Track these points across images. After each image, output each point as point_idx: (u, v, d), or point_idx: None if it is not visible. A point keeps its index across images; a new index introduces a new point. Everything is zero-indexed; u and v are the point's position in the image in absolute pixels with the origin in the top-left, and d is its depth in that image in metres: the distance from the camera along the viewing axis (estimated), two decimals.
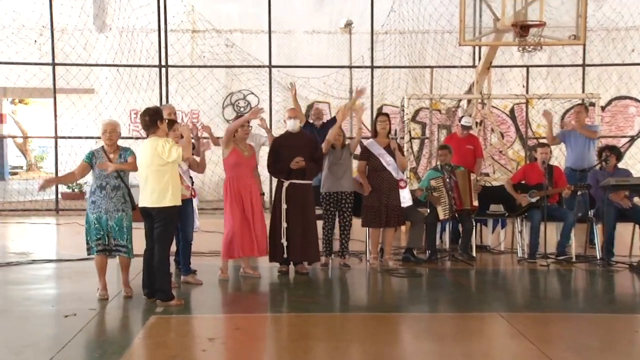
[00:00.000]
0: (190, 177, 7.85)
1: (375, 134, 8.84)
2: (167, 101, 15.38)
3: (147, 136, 6.65)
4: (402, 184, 8.70)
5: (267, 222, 8.19)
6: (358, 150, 8.95)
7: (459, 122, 10.75)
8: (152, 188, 6.52)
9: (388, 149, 8.69)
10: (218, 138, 8.52)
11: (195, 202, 7.83)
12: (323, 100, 18.54)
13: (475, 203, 9.26)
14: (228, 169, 8.00)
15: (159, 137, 6.58)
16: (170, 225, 6.62)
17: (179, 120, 8.18)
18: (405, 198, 8.68)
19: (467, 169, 9.55)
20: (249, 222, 7.89)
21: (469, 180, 9.27)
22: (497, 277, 8.60)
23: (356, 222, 8.99)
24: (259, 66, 16.96)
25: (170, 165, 6.52)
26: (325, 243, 8.63)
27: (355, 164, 8.89)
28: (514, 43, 10.95)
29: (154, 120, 6.58)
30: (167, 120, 6.92)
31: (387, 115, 8.93)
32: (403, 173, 8.85)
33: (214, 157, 13.18)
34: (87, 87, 16.94)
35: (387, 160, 8.65)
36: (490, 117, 13.09)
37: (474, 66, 15.65)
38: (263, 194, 8.27)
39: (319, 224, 8.51)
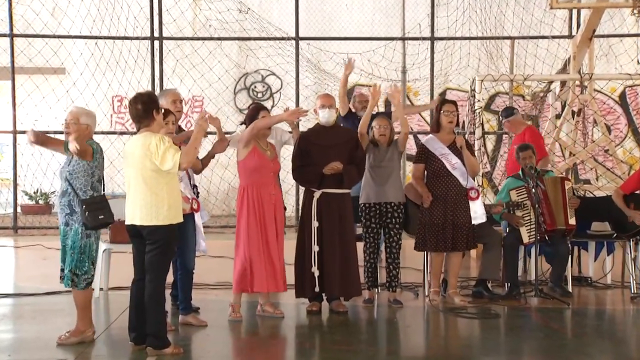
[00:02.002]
0: (195, 186, 7.90)
1: (437, 127, 8.83)
2: (160, 84, 15.53)
3: (138, 131, 6.70)
4: (472, 193, 8.65)
5: (290, 243, 8.21)
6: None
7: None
8: (143, 200, 6.56)
9: (453, 147, 8.68)
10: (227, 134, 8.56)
11: (198, 218, 7.90)
12: (367, 83, 18.53)
13: (572, 221, 9.19)
14: (245, 174, 8.04)
15: (154, 132, 6.63)
16: (168, 249, 6.66)
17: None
18: (477, 213, 8.63)
19: (559, 176, 9.49)
20: (272, 246, 7.93)
21: (563, 190, 9.20)
22: (601, 319, 8.54)
23: (408, 243, 9.00)
24: (283, 38, 17.04)
25: (166, 171, 6.55)
26: (369, 271, 8.64)
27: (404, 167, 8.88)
28: (627, 4, 10.88)
29: (148, 109, 6.61)
30: (163, 111, 6.97)
31: (454, 103, 8.89)
32: (474, 180, 8.82)
33: (222, 157, 13.26)
34: (56, 65, 17.15)
35: (452, 163, 8.62)
36: (592, 105, 13.00)
37: (570, 36, 15.55)
38: (285, 208, 8.32)
39: (359, 246, 8.54)
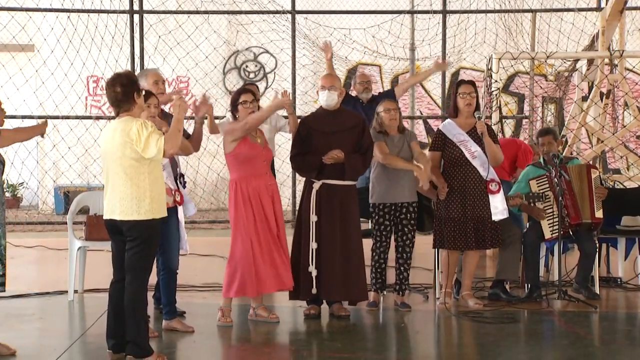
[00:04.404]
0: (182, 175, 7.89)
1: (455, 112, 8.85)
2: (141, 62, 15.52)
3: (117, 115, 6.71)
4: (492, 186, 8.62)
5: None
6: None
7: None
8: (123, 192, 6.57)
9: (473, 133, 8.69)
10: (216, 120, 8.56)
11: (180, 212, 7.92)
12: (371, 62, 18.59)
13: (599, 214, 9.21)
14: (236, 166, 8.05)
15: (134, 117, 6.63)
16: (150, 247, 6.69)
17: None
18: (498, 208, 8.63)
19: (585, 164, 9.50)
20: (274, 242, 7.96)
21: (589, 179, 9.21)
22: (632, 325, 8.57)
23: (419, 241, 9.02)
24: (277, 12, 17.02)
25: (150, 158, 6.57)
26: (376, 272, 8.67)
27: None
28: None
29: (128, 92, 6.60)
30: (144, 92, 6.98)
31: (473, 84, 8.89)
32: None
33: (210, 145, 13.28)
34: (23, 42, 17.12)
35: (472, 151, 8.63)
36: (623, 86, 13.00)
37: (598, 9, 15.54)
38: None
39: (365, 244, 8.55)
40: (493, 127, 11.97)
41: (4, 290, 7.24)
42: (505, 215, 8.69)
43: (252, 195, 7.96)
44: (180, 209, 7.88)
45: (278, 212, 8.08)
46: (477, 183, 8.64)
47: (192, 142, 7.85)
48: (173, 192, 7.75)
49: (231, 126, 8.07)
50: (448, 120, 8.88)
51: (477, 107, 8.75)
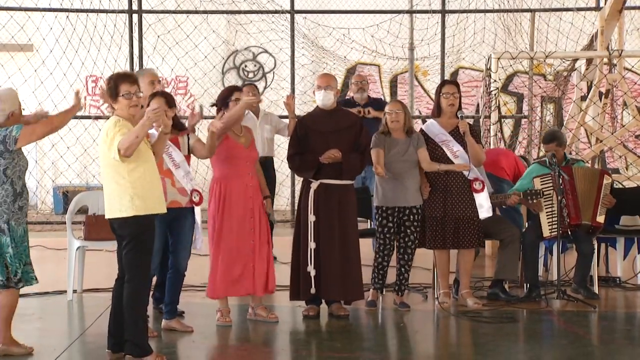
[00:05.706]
0: (189, 172, 7.81)
1: (438, 111, 8.86)
2: (140, 62, 15.52)
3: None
4: (476, 185, 8.65)
5: (283, 240, 8.23)
6: None
7: None
8: (108, 189, 6.63)
9: (456, 133, 8.70)
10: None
11: (198, 213, 7.89)
12: (370, 62, 18.56)
13: (600, 219, 9.21)
14: (217, 165, 8.02)
15: (119, 117, 6.63)
16: (140, 245, 6.65)
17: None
18: (483, 206, 8.65)
19: (599, 169, 9.49)
20: (252, 244, 7.91)
21: (600, 184, 9.20)
22: (631, 324, 8.57)
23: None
24: (276, 11, 17.02)
25: (132, 155, 6.56)
26: (378, 273, 8.67)
27: None
28: None
29: (109, 92, 6.64)
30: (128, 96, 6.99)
31: (456, 84, 8.92)
32: (478, 169, 8.80)
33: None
34: (22, 41, 17.12)
35: (454, 151, 8.64)
36: (622, 85, 13.01)
37: (597, 8, 15.55)
38: (267, 196, 8.25)
39: (363, 243, 8.55)
40: (492, 126, 12.02)
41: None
42: (490, 213, 8.71)
43: (231, 197, 7.90)
44: (197, 209, 7.85)
45: (260, 215, 7.98)
46: (460, 182, 8.64)
47: (208, 148, 7.75)
48: (190, 193, 7.73)
49: (211, 125, 7.89)
50: (430, 120, 8.91)
51: (460, 107, 8.77)
